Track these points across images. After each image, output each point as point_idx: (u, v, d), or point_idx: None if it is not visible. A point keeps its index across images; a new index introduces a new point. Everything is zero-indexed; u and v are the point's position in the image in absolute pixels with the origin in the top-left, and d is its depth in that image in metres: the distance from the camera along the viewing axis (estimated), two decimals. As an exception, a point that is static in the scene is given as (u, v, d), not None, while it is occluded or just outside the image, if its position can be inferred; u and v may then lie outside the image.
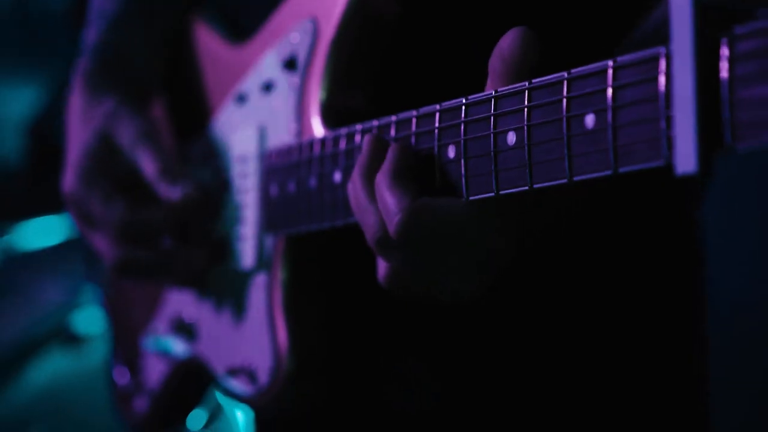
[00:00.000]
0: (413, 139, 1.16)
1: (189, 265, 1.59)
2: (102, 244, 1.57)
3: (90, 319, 2.97)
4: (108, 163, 1.57)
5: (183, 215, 1.55)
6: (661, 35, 1.17)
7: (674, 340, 1.55)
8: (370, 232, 1.13)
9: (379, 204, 1.11)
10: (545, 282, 1.45)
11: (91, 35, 1.75)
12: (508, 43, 1.05)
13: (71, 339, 3.00)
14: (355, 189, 1.16)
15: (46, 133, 3.40)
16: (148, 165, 1.52)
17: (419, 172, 1.12)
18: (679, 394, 1.55)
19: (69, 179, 1.58)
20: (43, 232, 3.06)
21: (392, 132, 1.19)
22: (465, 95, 1.13)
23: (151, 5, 1.77)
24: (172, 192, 1.50)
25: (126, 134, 1.55)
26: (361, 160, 1.16)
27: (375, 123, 1.23)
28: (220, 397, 1.82)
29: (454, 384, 1.51)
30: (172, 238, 1.59)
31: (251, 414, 1.76)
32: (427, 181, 1.12)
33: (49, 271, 3.03)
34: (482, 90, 1.12)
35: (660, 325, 1.53)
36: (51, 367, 3.03)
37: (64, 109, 1.70)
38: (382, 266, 1.17)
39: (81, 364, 2.96)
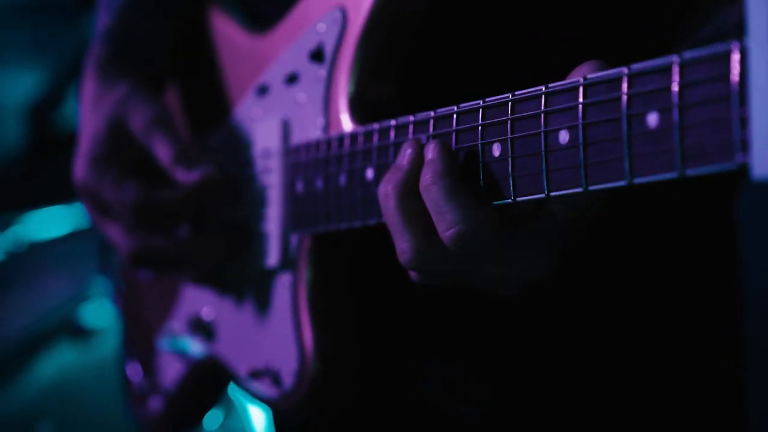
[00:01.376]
0: (453, 137, 1.10)
1: (207, 254, 1.53)
2: (116, 233, 1.51)
3: (98, 312, 2.92)
4: (120, 150, 1.51)
5: (201, 199, 1.48)
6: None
7: (711, 339, 1.51)
8: (404, 256, 1.10)
9: (432, 211, 1.06)
10: (582, 280, 1.40)
11: (102, 21, 1.69)
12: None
13: (79, 332, 2.95)
14: (388, 207, 1.11)
15: (46, 120, 3.35)
16: (162, 150, 1.47)
17: (464, 173, 1.07)
18: (717, 393, 1.50)
19: (80, 167, 1.53)
20: (49, 223, 3.00)
21: (430, 129, 1.13)
22: (495, 87, 1.07)
23: None
24: (189, 175, 1.44)
25: (139, 120, 1.49)
26: (399, 175, 1.11)
27: (411, 119, 1.17)
28: (232, 394, 1.77)
29: (492, 386, 1.46)
30: (189, 226, 1.53)
31: (269, 415, 1.71)
32: (472, 182, 1.06)
33: (56, 262, 2.98)
34: (512, 82, 1.06)
35: (696, 322, 1.49)
36: (59, 361, 2.99)
37: (65, 95, 1.65)
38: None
39: (89, 358, 2.91)
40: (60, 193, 1.58)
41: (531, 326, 1.44)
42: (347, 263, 1.43)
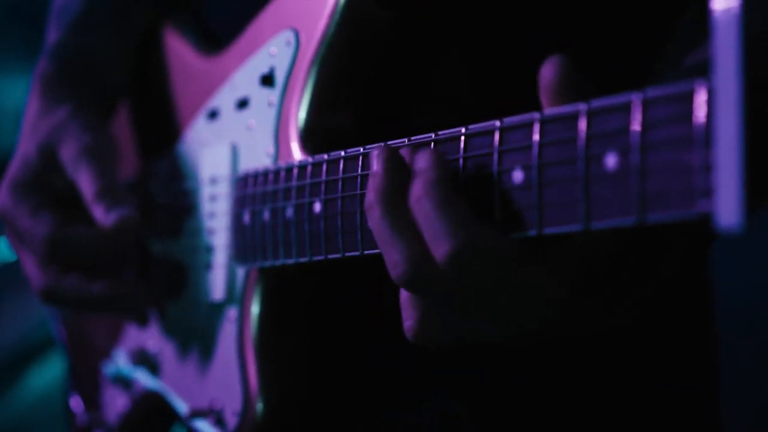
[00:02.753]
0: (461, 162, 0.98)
1: (125, 299, 1.44)
2: (30, 265, 1.43)
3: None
4: (45, 178, 1.43)
5: (118, 241, 1.39)
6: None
7: (683, 347, 1.45)
8: (397, 269, 0.95)
9: (423, 226, 0.93)
10: None
11: (52, 35, 1.62)
12: (546, 75, 0.93)
13: None
14: (374, 218, 0.98)
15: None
16: (86, 184, 1.39)
17: (470, 196, 0.96)
18: (690, 399, 1.45)
19: (1, 192, 1.45)
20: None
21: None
22: (462, 115, 1.01)
23: (118, 5, 1.64)
24: (107, 217, 1.36)
25: (69, 150, 1.41)
26: (378, 181, 0.98)
27: (361, 150, 1.09)
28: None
29: (490, 422, 1.38)
30: (107, 268, 1.45)
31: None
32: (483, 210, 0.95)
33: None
34: (476, 114, 1.00)
35: (669, 331, 1.43)
36: (51, 373, 2.93)
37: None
38: (411, 315, 1.00)
39: None
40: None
41: (532, 359, 1.36)
42: (297, 297, 1.36)
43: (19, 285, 2.88)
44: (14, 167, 1.46)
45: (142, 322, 1.52)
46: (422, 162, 0.95)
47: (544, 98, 0.94)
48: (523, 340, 1.04)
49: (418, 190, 0.94)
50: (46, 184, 1.43)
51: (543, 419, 1.39)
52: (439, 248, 0.91)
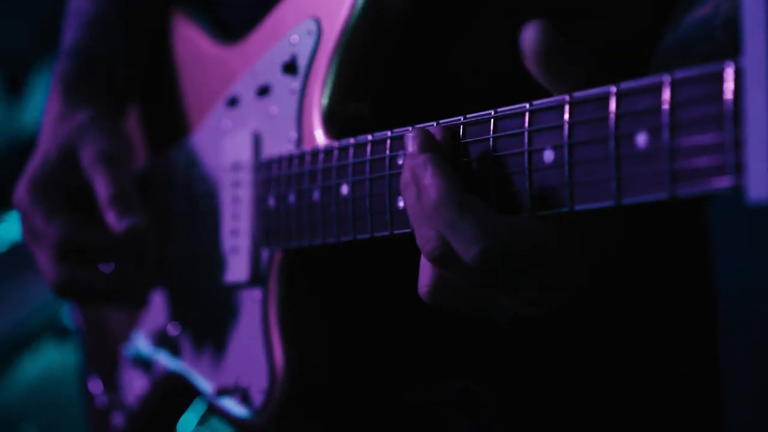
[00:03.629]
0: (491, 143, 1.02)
1: (139, 289, 1.53)
2: (43, 260, 1.49)
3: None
4: (63, 180, 1.50)
5: (128, 245, 1.48)
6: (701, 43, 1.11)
7: (684, 341, 1.49)
8: (430, 244, 0.98)
9: (448, 233, 0.95)
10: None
11: (68, 36, 1.66)
12: (527, 40, 0.96)
13: (64, 332, 2.91)
14: (410, 196, 1.00)
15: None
16: (102, 188, 1.45)
17: (499, 176, 1.00)
18: (693, 395, 1.49)
19: (21, 187, 1.51)
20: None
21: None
22: (476, 105, 1.05)
23: (130, 5, 1.68)
24: (118, 222, 1.43)
25: (89, 154, 1.48)
26: (413, 160, 1.01)
27: (388, 134, 1.13)
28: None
29: (504, 402, 1.42)
30: (118, 263, 1.51)
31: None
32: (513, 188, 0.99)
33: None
34: (495, 99, 1.04)
35: (670, 325, 1.47)
36: (44, 361, 2.95)
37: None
38: (428, 281, 1.03)
39: (74, 357, 2.88)
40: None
41: (548, 340, 1.40)
42: (321, 278, 1.40)
43: (12, 274, 2.90)
44: (34, 165, 1.52)
45: (141, 305, 1.56)
46: (428, 177, 0.98)
47: (530, 65, 0.97)
48: (535, 318, 1.08)
49: (432, 199, 0.96)
50: (62, 185, 1.50)
51: (559, 400, 1.43)
52: (467, 253, 0.94)
